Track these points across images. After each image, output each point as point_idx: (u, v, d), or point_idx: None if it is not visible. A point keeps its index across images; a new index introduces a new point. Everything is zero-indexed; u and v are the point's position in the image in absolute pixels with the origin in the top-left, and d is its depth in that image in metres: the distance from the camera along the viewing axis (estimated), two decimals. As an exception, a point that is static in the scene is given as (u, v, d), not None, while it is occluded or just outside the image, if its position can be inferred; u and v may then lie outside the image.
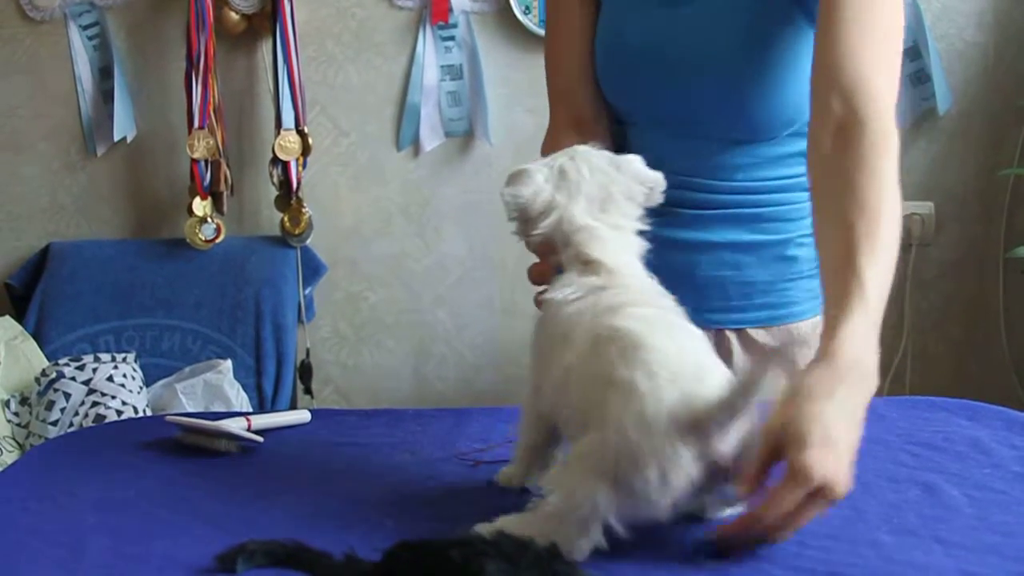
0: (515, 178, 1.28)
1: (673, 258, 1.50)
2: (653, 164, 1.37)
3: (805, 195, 1.46)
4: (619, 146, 1.61)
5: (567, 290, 1.22)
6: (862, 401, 1.15)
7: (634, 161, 1.32)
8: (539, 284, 1.31)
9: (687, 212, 1.60)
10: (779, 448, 1.08)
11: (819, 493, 1.06)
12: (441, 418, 1.59)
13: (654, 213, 1.34)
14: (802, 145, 1.48)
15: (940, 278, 3.61)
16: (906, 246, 3.52)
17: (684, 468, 1.05)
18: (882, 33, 1.42)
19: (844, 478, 1.08)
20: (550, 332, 1.23)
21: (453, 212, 3.43)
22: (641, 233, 1.29)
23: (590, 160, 1.29)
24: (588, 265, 1.23)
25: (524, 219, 1.28)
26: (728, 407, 1.05)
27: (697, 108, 1.58)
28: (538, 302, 1.29)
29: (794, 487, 1.05)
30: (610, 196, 1.27)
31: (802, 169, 1.49)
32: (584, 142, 1.35)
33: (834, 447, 1.08)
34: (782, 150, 1.59)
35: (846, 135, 1.36)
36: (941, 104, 3.45)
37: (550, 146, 1.61)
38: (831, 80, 1.39)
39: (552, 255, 1.28)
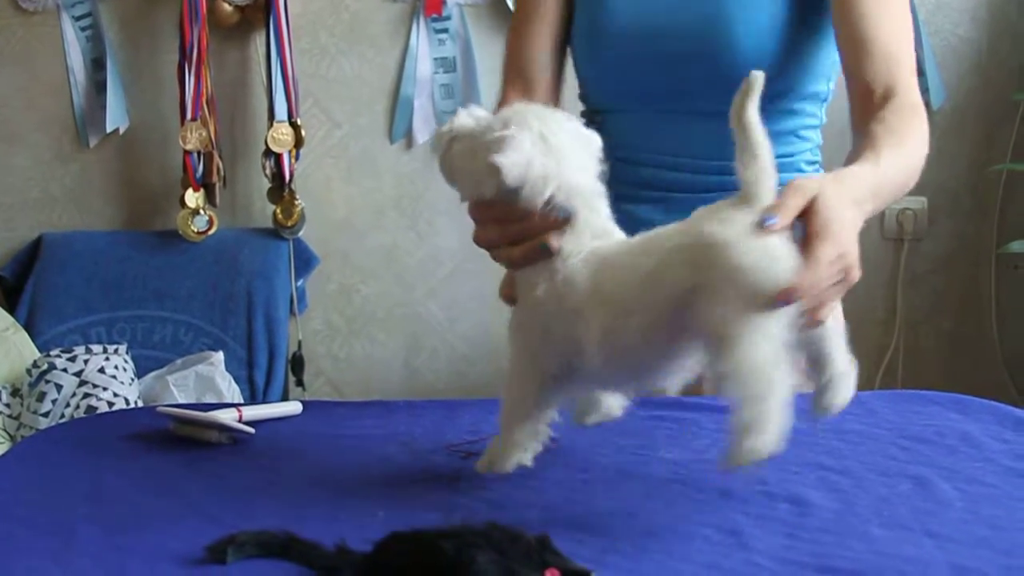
0: (500, 145, 1.17)
1: None
2: (640, 148, 1.39)
3: (799, 175, 1.47)
4: None
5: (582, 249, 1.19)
6: (861, 219, 1.20)
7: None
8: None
9: (678, 196, 1.60)
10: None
11: (846, 275, 1.13)
12: (433, 410, 1.59)
13: (644, 199, 1.34)
14: (794, 123, 1.60)
15: (932, 273, 3.62)
16: (898, 241, 3.54)
17: None
18: (898, 5, 1.53)
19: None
20: (583, 290, 1.17)
21: (446, 205, 3.43)
22: (634, 219, 1.27)
23: (555, 119, 1.22)
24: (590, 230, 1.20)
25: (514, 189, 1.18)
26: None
27: (688, 82, 1.59)
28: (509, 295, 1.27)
29: (834, 261, 1.10)
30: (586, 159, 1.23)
31: (795, 148, 1.61)
32: None
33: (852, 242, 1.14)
34: (773, 128, 1.59)
35: (886, 105, 1.46)
36: (934, 99, 3.45)
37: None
38: (865, 53, 1.50)
39: (511, 224, 1.21)
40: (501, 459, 1.26)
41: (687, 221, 1.15)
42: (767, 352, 1.06)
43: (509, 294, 1.27)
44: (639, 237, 1.19)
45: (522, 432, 1.25)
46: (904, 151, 1.39)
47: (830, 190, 1.14)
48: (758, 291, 1.06)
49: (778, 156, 1.55)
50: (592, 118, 1.69)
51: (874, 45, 1.50)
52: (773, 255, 1.08)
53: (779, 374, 1.06)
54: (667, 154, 1.59)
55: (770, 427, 1.05)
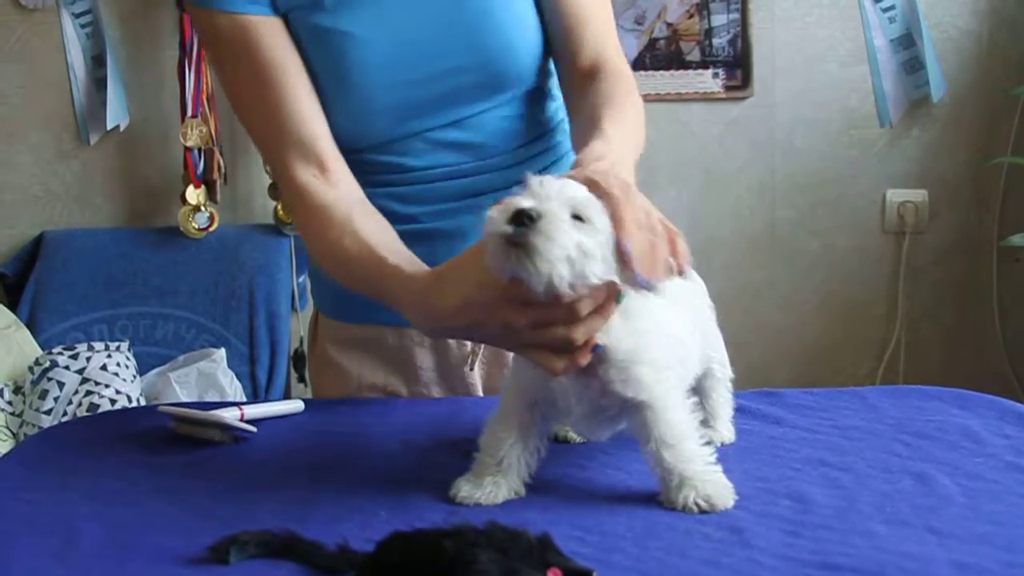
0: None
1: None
2: (420, 168, 1.56)
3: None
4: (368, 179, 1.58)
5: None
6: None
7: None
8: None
9: (480, 198, 1.59)
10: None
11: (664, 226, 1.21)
12: (434, 407, 1.59)
13: (451, 212, 1.54)
14: (558, 106, 1.67)
15: (934, 266, 3.62)
16: (899, 234, 3.54)
17: None
18: None
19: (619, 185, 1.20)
20: None
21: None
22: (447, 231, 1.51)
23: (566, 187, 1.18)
24: None
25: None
26: None
27: (463, 91, 1.56)
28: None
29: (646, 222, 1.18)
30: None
31: (565, 133, 1.67)
32: (342, 189, 1.47)
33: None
34: (553, 118, 1.68)
35: (597, 75, 1.55)
36: (935, 92, 3.45)
37: (319, 203, 1.48)
38: (579, 33, 1.58)
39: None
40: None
41: None
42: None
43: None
44: None
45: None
46: (626, 117, 1.46)
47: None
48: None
49: (550, 121, 1.65)
50: (352, 157, 1.58)
51: (588, 25, 1.58)
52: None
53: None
54: (452, 164, 1.58)
55: None
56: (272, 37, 1.51)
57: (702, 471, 1.20)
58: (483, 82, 1.56)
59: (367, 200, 1.50)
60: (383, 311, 1.40)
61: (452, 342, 1.66)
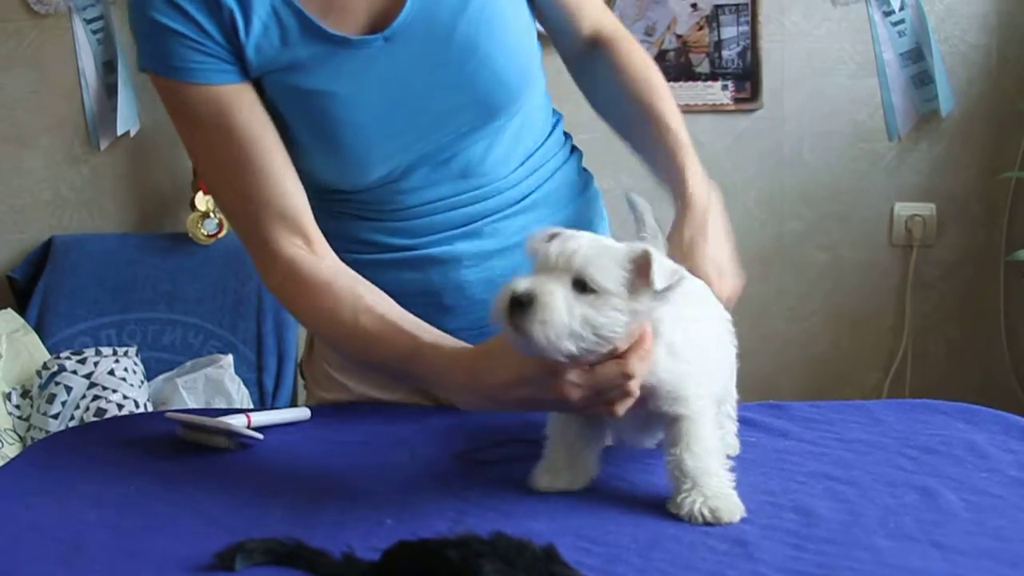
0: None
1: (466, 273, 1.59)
2: (419, 201, 1.54)
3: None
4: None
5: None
6: (723, 219, 1.51)
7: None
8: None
9: (482, 222, 1.58)
10: None
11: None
12: (440, 416, 1.59)
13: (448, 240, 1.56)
14: (557, 118, 1.71)
15: (941, 279, 3.61)
16: (907, 247, 3.53)
17: None
18: None
19: (739, 289, 1.44)
20: None
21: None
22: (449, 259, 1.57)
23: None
24: None
25: None
26: None
27: (459, 125, 1.51)
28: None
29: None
30: None
31: (571, 150, 1.72)
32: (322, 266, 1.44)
33: (726, 273, 1.43)
34: (557, 141, 1.69)
35: (600, 42, 1.65)
36: (944, 106, 3.45)
37: (318, 279, 1.43)
38: (577, 19, 1.65)
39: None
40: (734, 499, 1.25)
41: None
42: None
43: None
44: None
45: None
46: (672, 103, 1.61)
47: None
48: None
49: (553, 134, 1.67)
50: (334, 196, 1.56)
51: (584, 5, 1.65)
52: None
53: None
54: (449, 196, 1.55)
55: None
56: (246, 109, 1.43)
57: (716, 485, 1.21)
58: (477, 115, 1.51)
59: (357, 274, 1.46)
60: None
61: None
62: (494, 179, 1.57)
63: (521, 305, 1.13)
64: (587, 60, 1.67)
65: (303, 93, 1.44)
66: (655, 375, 1.21)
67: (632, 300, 1.15)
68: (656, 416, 1.25)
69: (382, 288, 1.43)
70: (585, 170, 1.74)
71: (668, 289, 1.16)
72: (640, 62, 1.64)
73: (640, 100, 1.60)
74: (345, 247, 1.52)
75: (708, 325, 1.31)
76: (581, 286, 1.14)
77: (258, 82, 1.45)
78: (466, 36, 1.47)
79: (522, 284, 1.14)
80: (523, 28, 1.55)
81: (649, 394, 1.22)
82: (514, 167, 1.59)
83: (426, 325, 1.37)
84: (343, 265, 1.46)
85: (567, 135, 1.72)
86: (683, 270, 1.18)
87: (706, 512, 1.19)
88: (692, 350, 1.24)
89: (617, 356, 1.17)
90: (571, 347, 1.14)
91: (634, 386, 1.18)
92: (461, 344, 1.32)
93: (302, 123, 1.46)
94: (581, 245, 1.16)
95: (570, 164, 1.70)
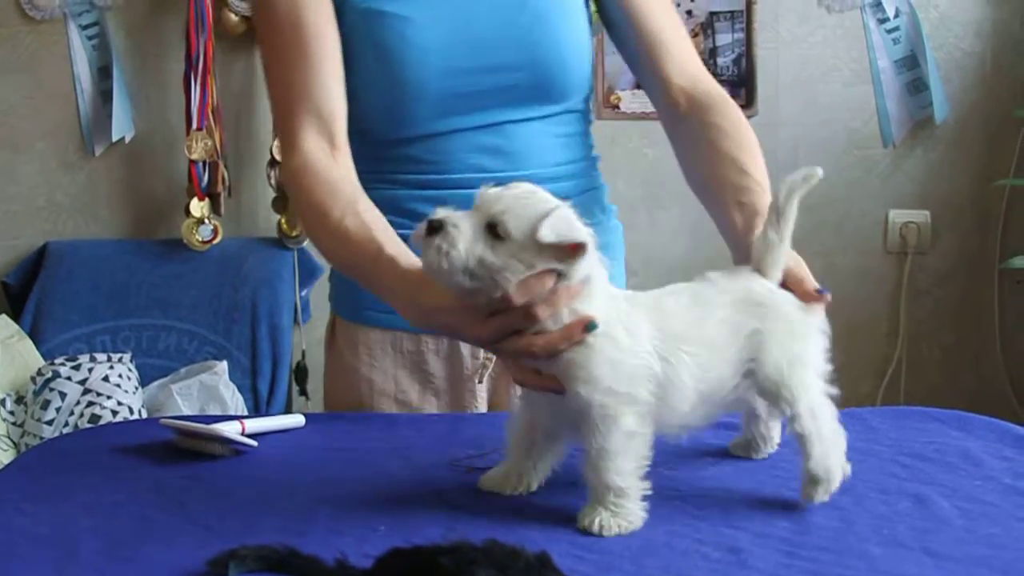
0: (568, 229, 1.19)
1: None
2: (459, 169, 1.59)
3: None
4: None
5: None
6: None
7: None
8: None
9: None
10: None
11: None
12: (435, 424, 1.59)
13: None
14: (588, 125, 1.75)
15: (935, 286, 3.62)
16: (902, 254, 3.54)
17: None
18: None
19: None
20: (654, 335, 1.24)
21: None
22: None
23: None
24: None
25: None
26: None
27: (513, 91, 1.61)
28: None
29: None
30: None
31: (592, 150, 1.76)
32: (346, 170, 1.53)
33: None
34: (583, 132, 1.74)
35: (699, 101, 1.62)
36: (939, 113, 3.46)
37: (326, 177, 1.51)
38: (664, 54, 1.65)
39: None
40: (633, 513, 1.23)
41: (717, 281, 1.31)
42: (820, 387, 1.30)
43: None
44: (671, 295, 1.29)
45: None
46: (756, 156, 1.60)
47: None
48: (805, 332, 1.32)
49: (586, 150, 1.71)
50: (382, 151, 1.65)
51: (671, 47, 1.66)
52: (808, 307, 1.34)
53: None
54: (487, 171, 1.58)
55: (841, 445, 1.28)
56: (321, 15, 1.56)
57: (612, 497, 1.21)
58: (529, 85, 1.61)
59: (363, 189, 1.52)
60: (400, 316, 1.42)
61: (465, 353, 1.69)
62: (530, 167, 1.62)
63: (432, 231, 1.18)
64: (684, 123, 1.64)
65: (379, 15, 1.57)
66: (581, 351, 1.21)
67: (536, 256, 1.18)
68: (570, 406, 1.23)
69: None
70: (609, 206, 1.79)
71: (557, 243, 1.17)
72: (746, 143, 1.61)
73: (738, 189, 1.56)
74: (388, 220, 1.54)
75: (709, 330, 1.26)
76: (492, 229, 1.18)
77: (337, 9, 1.58)
78: (536, 7, 1.61)
79: (441, 213, 1.19)
80: (585, 29, 1.67)
81: (566, 367, 1.21)
82: (552, 163, 1.64)
83: (398, 240, 1.42)
84: (354, 176, 1.54)
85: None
86: (585, 235, 1.19)
87: (593, 528, 1.20)
88: (617, 352, 1.21)
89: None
90: (462, 281, 1.18)
91: (538, 348, 1.20)
92: (416, 263, 1.35)
93: (371, 48, 1.58)
94: (508, 194, 1.20)
95: (596, 193, 1.76)
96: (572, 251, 1.19)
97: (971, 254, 3.61)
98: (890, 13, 3.49)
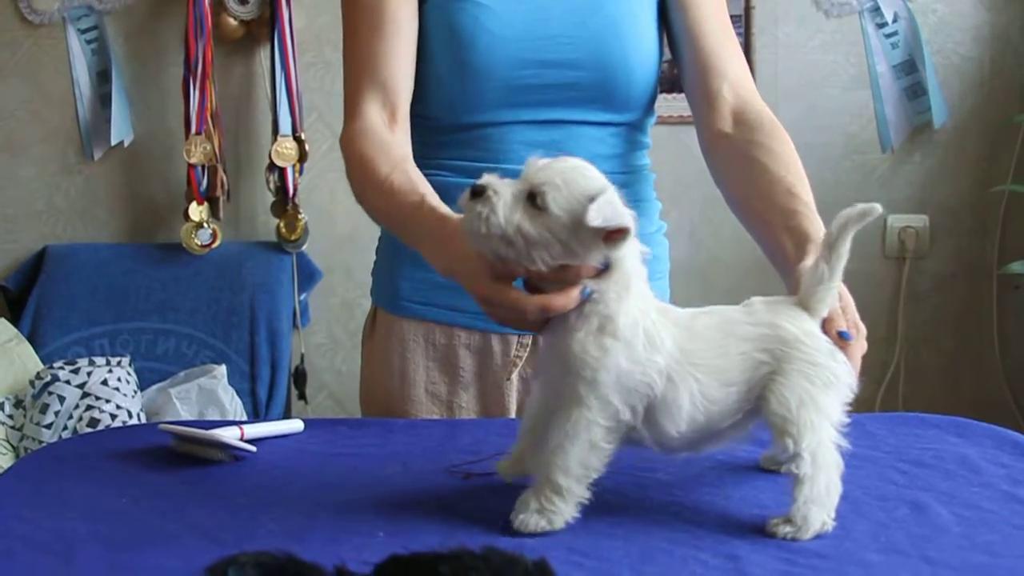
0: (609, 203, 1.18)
1: None
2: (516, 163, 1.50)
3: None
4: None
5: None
6: None
7: None
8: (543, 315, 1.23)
9: None
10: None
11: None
12: (433, 429, 1.59)
13: None
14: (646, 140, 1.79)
15: (934, 291, 3.62)
16: (900, 259, 3.54)
17: None
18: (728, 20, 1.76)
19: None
20: (670, 351, 1.22)
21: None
22: None
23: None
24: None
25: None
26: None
27: (577, 89, 1.65)
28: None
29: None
30: None
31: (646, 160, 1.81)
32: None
33: (862, 329, 1.38)
34: (643, 142, 1.79)
35: (749, 121, 1.66)
36: (936, 118, 3.46)
37: (380, 139, 1.59)
38: (718, 72, 1.68)
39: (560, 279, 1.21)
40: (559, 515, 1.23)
41: (754, 311, 1.28)
42: (830, 435, 1.24)
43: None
44: (705, 316, 1.26)
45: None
46: (803, 179, 1.59)
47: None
48: (826, 380, 1.24)
49: (640, 166, 1.76)
50: (439, 137, 1.70)
51: (727, 64, 1.70)
52: (835, 353, 1.27)
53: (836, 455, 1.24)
54: None
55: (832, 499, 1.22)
56: (402, 3, 1.64)
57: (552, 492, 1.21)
58: (592, 85, 1.65)
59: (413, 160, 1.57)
60: (435, 309, 1.49)
61: (496, 349, 1.71)
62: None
63: (475, 196, 1.19)
64: (729, 141, 1.67)
65: (459, 1, 1.63)
66: (596, 352, 1.20)
67: (573, 235, 1.18)
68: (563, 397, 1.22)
69: None
70: (659, 223, 1.87)
71: (604, 227, 1.16)
72: (794, 166, 1.62)
73: (787, 213, 1.55)
74: None
75: (726, 361, 1.24)
76: (532, 199, 1.18)
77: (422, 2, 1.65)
78: (610, 13, 1.65)
79: (486, 179, 1.20)
80: (653, 44, 1.70)
81: (577, 362, 1.20)
82: (602, 171, 1.63)
83: (443, 204, 1.44)
84: (409, 147, 1.61)
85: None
86: (629, 219, 1.19)
87: (514, 526, 1.21)
88: (624, 347, 1.20)
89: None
90: (499, 248, 1.19)
91: (531, 311, 1.21)
92: (456, 216, 1.37)
93: (444, 32, 1.64)
94: (554, 166, 1.20)
95: (646, 206, 1.82)
96: (613, 236, 1.18)
97: (969, 259, 3.61)
98: (889, 18, 3.49)
